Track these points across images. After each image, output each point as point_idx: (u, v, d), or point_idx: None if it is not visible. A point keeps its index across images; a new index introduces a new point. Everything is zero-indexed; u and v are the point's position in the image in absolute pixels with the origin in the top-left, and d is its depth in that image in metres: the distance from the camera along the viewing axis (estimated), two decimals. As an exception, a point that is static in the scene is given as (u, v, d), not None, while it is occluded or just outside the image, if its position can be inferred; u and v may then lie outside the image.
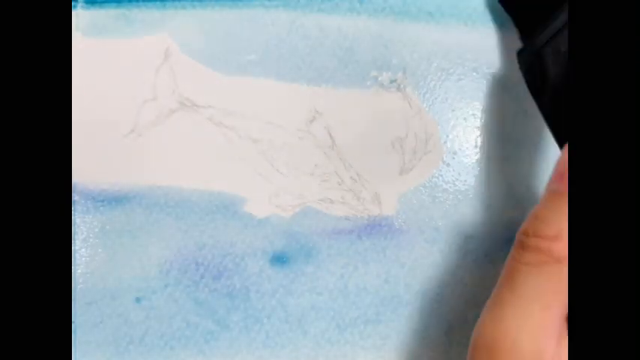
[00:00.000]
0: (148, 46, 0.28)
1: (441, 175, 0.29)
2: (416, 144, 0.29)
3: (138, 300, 0.29)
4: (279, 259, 0.29)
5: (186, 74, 0.28)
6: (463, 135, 0.29)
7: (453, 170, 0.29)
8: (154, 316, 0.29)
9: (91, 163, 0.29)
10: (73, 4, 0.28)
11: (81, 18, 0.28)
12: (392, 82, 0.28)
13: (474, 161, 0.29)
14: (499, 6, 0.28)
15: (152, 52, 0.28)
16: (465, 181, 0.29)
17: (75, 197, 0.29)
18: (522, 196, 0.29)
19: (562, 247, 0.20)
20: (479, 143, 0.29)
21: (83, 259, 0.29)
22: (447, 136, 0.29)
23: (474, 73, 0.29)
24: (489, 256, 0.28)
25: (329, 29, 0.28)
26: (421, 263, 0.28)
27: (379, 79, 0.28)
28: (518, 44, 0.28)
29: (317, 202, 0.29)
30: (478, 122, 0.29)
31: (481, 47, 0.28)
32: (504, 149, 0.29)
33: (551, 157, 0.29)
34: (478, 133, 0.29)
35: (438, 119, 0.29)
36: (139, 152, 0.28)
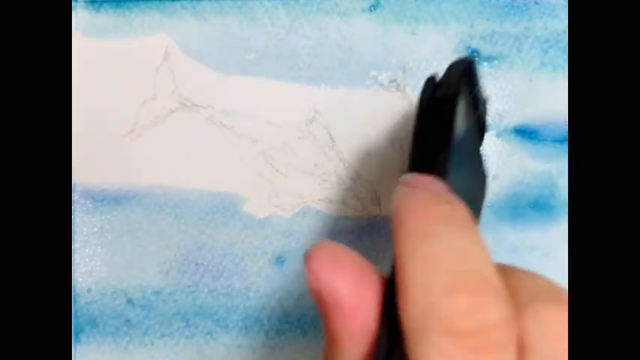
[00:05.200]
0: (148, 46, 0.28)
1: (441, 175, 0.29)
2: (416, 144, 0.28)
3: (137, 300, 0.29)
4: (279, 259, 0.29)
5: (185, 74, 0.28)
6: (463, 135, 0.29)
7: (453, 170, 0.29)
8: (153, 316, 0.29)
9: (91, 163, 0.29)
10: (72, 4, 0.28)
11: (80, 18, 0.28)
12: (392, 81, 0.28)
13: (473, 161, 0.28)
14: (498, 5, 0.28)
15: (151, 51, 0.28)
16: (465, 180, 0.28)
17: (75, 197, 0.29)
18: (523, 194, 0.29)
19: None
20: (479, 143, 0.29)
21: (83, 258, 0.29)
22: (447, 135, 0.29)
23: (474, 73, 0.28)
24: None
25: (328, 29, 0.28)
26: (421, 263, 0.28)
27: (379, 78, 0.28)
28: (517, 43, 0.28)
29: (317, 202, 0.29)
30: (478, 122, 0.29)
31: (481, 47, 0.28)
32: (504, 148, 0.29)
33: (551, 156, 0.29)
34: (478, 132, 0.29)
35: (438, 119, 0.28)
36: (138, 152, 0.29)
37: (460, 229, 0.13)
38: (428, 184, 0.15)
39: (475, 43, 0.28)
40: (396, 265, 0.13)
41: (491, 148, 0.28)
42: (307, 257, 0.15)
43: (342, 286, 0.14)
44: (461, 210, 0.14)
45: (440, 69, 0.28)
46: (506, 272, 0.14)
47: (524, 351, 0.12)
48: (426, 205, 0.14)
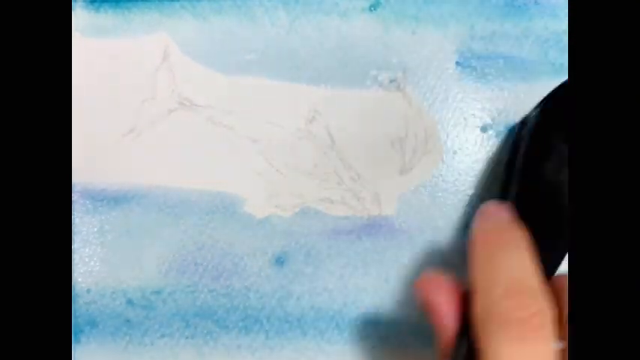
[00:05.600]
0: (147, 46, 0.28)
1: (441, 175, 0.29)
2: (416, 144, 0.28)
3: (137, 300, 0.29)
4: (279, 260, 0.29)
5: (185, 74, 0.28)
6: (463, 135, 0.29)
7: (453, 170, 0.29)
8: (153, 316, 0.29)
9: (91, 163, 0.28)
10: (72, 3, 0.28)
11: (80, 18, 0.28)
12: (392, 81, 0.28)
13: (473, 161, 0.29)
14: (498, 6, 0.28)
15: (151, 51, 0.28)
16: (465, 181, 0.28)
17: (74, 197, 0.29)
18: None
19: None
20: (479, 143, 0.29)
21: (82, 259, 0.29)
22: (447, 135, 0.29)
23: (474, 73, 0.28)
24: (489, 256, 0.28)
25: (328, 29, 0.28)
26: (421, 263, 0.28)
27: (379, 78, 0.28)
28: (517, 43, 0.28)
29: (317, 202, 0.29)
30: (478, 122, 0.29)
31: (481, 46, 0.28)
32: (504, 149, 0.29)
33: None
34: (478, 132, 0.29)
35: (438, 119, 0.28)
36: (138, 152, 0.28)
37: (513, 252, 0.18)
38: (495, 212, 0.20)
39: (475, 44, 0.28)
40: (470, 278, 0.20)
41: (491, 148, 0.28)
42: (417, 283, 0.22)
43: (439, 301, 0.21)
44: (516, 236, 0.19)
45: (440, 68, 0.28)
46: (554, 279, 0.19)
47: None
48: (489, 234, 0.19)
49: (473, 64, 0.28)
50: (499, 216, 0.21)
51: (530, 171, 0.21)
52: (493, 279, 0.19)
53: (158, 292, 0.29)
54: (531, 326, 0.17)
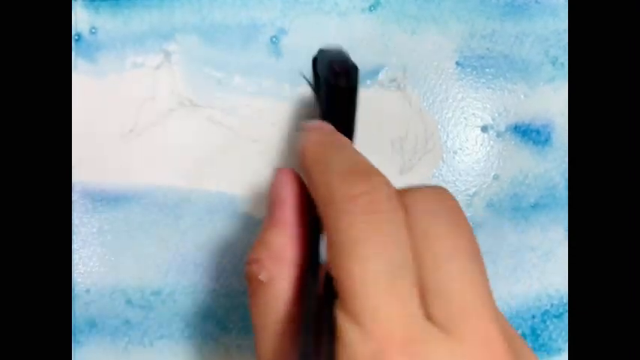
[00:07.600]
0: (148, 46, 0.28)
1: (441, 175, 0.28)
2: (416, 143, 0.28)
3: (136, 300, 0.29)
4: (279, 260, 0.28)
5: (185, 74, 0.28)
6: (463, 134, 0.28)
7: (453, 170, 0.28)
8: (152, 316, 0.29)
9: (90, 163, 0.28)
10: (72, 3, 0.28)
11: (80, 18, 0.28)
12: (392, 81, 0.28)
13: (474, 161, 0.28)
14: (499, 5, 0.28)
15: (151, 51, 0.28)
16: (465, 181, 0.28)
17: (74, 197, 0.29)
18: (524, 194, 0.28)
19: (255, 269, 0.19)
20: (479, 142, 0.29)
21: (82, 259, 0.29)
22: (447, 135, 0.29)
23: (474, 72, 0.28)
24: (490, 256, 0.28)
25: (328, 29, 0.28)
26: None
27: (379, 78, 0.28)
28: (517, 42, 0.28)
29: (317, 202, 0.28)
30: (478, 121, 0.29)
31: (481, 46, 0.28)
32: (505, 148, 0.28)
33: (551, 156, 0.28)
34: (478, 132, 0.28)
35: (438, 119, 0.28)
36: (137, 152, 0.28)
37: (342, 148, 0.19)
38: (318, 126, 0.21)
39: (475, 43, 0.28)
40: (306, 178, 0.20)
41: (492, 148, 0.28)
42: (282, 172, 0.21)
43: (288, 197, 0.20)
44: (341, 137, 0.20)
45: (440, 68, 0.28)
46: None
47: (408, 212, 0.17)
48: (318, 140, 0.20)
49: (473, 63, 0.28)
50: (323, 127, 0.21)
51: (328, 90, 0.23)
52: (328, 170, 0.18)
53: (158, 293, 0.29)
54: (374, 198, 0.17)
